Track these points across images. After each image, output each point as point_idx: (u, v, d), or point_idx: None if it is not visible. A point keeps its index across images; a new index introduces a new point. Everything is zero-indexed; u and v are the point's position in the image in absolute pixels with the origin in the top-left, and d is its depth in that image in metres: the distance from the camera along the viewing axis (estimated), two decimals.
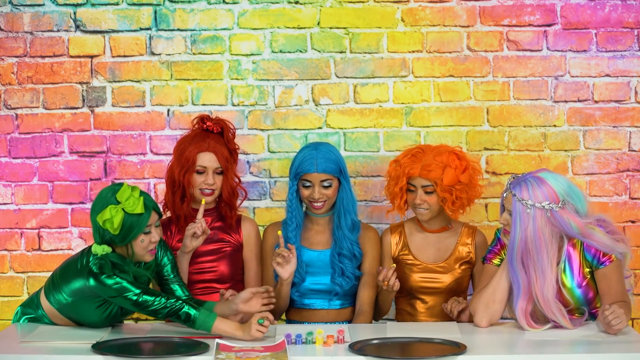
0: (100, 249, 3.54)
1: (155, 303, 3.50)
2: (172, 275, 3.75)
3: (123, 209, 3.50)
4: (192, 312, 3.49)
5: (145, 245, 3.57)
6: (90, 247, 3.64)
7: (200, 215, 3.88)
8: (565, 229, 3.56)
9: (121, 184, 3.57)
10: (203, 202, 3.91)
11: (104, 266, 3.52)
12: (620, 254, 3.61)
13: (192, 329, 3.53)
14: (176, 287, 3.74)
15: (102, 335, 3.56)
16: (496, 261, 3.76)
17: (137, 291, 3.51)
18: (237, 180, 4.06)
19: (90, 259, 3.55)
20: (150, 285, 3.72)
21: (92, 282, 3.53)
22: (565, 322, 3.58)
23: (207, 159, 3.96)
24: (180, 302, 3.51)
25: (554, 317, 3.58)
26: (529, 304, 3.60)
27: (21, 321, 3.78)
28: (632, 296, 4.16)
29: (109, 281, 3.51)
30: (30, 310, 3.77)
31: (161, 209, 4.02)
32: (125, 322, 3.88)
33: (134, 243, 3.55)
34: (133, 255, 3.57)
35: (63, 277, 3.65)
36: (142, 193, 3.56)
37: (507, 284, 3.65)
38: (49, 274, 4.48)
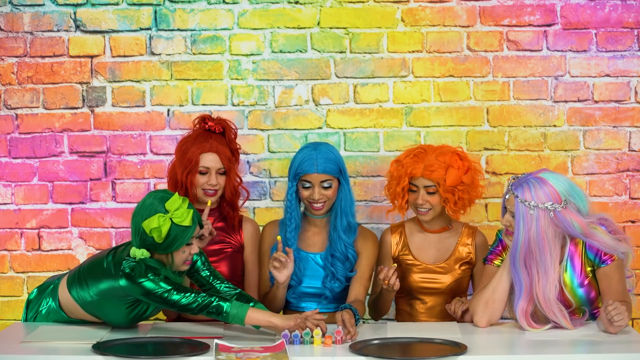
0: (140, 253, 3.53)
1: (184, 299, 3.50)
2: (209, 275, 3.73)
3: (171, 219, 3.49)
4: (224, 305, 3.48)
5: (185, 256, 3.56)
6: (116, 247, 3.66)
7: (205, 216, 3.88)
8: (568, 229, 3.56)
9: (169, 192, 3.57)
10: (209, 204, 3.90)
11: (135, 268, 3.51)
12: (622, 254, 3.62)
13: (227, 322, 3.52)
14: (219, 285, 3.72)
15: (102, 335, 3.56)
16: (497, 262, 3.75)
17: (168, 288, 3.50)
18: (238, 180, 4.05)
19: (124, 261, 3.54)
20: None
21: (123, 282, 3.52)
22: (566, 322, 3.58)
23: (210, 160, 3.96)
24: (211, 296, 3.51)
25: (555, 318, 3.58)
26: (530, 304, 3.59)
27: (36, 305, 3.78)
28: (633, 296, 4.16)
29: (140, 279, 3.50)
30: (50, 298, 3.77)
31: None
32: None
33: (175, 253, 3.55)
34: (172, 264, 3.56)
35: (90, 276, 3.64)
36: (190, 205, 3.55)
37: (507, 284, 3.65)
38: (49, 274, 4.49)
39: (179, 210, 3.49)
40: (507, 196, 3.61)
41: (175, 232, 3.49)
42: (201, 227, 3.63)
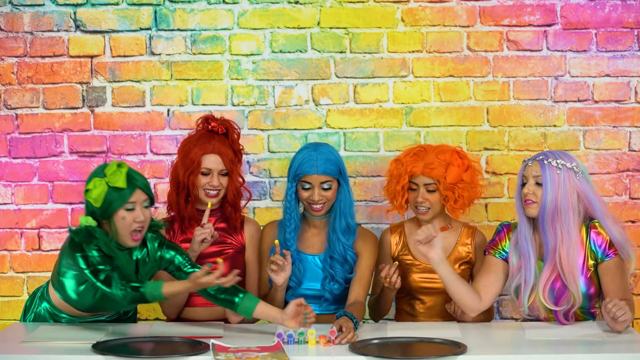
0: (84, 220, 3.57)
1: (102, 282, 3.51)
2: (189, 268, 3.74)
3: (107, 183, 3.52)
4: (140, 286, 3.49)
5: (127, 223, 3.55)
6: None
7: (206, 219, 3.87)
8: (589, 198, 3.66)
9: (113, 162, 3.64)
10: (209, 206, 3.90)
11: (79, 233, 3.55)
12: (626, 255, 3.65)
13: (149, 302, 3.55)
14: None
15: (102, 335, 3.56)
16: (493, 252, 3.78)
17: (107, 268, 3.52)
18: (241, 180, 4.05)
19: (70, 230, 3.58)
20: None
21: (68, 251, 3.57)
22: (577, 292, 3.61)
23: (212, 161, 3.95)
24: (129, 282, 3.51)
25: (572, 283, 3.61)
26: (553, 271, 3.65)
27: (33, 308, 3.83)
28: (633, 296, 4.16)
29: (77, 253, 3.53)
30: (43, 301, 3.81)
31: (166, 209, 4.09)
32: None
33: (115, 218, 3.55)
34: (116, 232, 3.56)
35: (57, 264, 3.70)
36: (132, 171, 3.57)
37: (458, 287, 3.70)
38: (49, 274, 4.48)
39: (114, 174, 3.52)
40: (529, 162, 3.68)
41: (111, 195, 3.51)
42: (149, 196, 3.60)
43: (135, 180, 3.55)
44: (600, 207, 3.67)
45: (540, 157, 3.67)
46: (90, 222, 3.56)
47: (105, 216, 3.55)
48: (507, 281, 3.78)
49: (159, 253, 3.71)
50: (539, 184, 3.66)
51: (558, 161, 3.64)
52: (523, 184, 3.70)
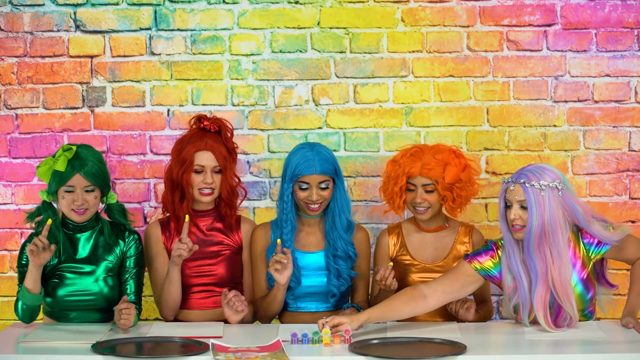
0: (42, 194, 3.85)
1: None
2: (130, 271, 3.89)
3: (54, 162, 3.81)
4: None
5: (67, 203, 3.80)
6: None
7: (184, 233, 3.80)
8: (573, 210, 3.60)
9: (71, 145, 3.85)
10: (187, 220, 3.81)
11: (35, 210, 3.85)
12: (617, 241, 3.65)
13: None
14: (130, 284, 3.88)
15: (102, 335, 3.56)
16: (474, 263, 3.72)
17: (23, 262, 3.84)
18: (237, 180, 4.04)
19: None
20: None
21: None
22: (572, 310, 3.59)
23: (205, 158, 3.94)
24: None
25: (567, 303, 3.58)
26: (547, 292, 3.60)
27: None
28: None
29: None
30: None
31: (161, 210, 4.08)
32: None
33: (58, 196, 3.82)
34: (63, 211, 3.85)
35: None
36: (84, 155, 3.79)
37: (400, 314, 3.66)
38: None
39: (58, 157, 3.77)
40: (511, 187, 3.61)
41: (53, 176, 3.80)
42: (97, 183, 3.79)
43: (77, 166, 3.76)
44: (582, 213, 3.61)
45: (522, 180, 3.58)
46: (47, 197, 3.83)
47: (52, 194, 3.82)
48: (504, 300, 3.73)
49: (124, 249, 3.90)
50: (524, 207, 3.60)
51: (541, 182, 3.56)
52: (507, 206, 3.65)
